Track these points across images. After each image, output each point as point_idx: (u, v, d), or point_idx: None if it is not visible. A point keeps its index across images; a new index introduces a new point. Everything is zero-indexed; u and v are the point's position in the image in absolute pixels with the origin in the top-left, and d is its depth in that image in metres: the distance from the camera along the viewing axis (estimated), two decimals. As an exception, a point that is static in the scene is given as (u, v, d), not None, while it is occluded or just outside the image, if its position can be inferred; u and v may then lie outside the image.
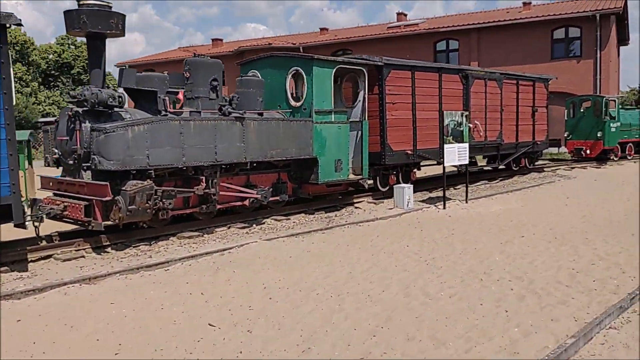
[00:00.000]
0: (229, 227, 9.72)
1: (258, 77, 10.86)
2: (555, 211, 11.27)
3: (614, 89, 36.36)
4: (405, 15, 42.08)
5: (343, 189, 12.19)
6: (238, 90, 10.25)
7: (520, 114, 16.48)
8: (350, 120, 11.82)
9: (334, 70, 10.71)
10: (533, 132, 17.18)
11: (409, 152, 12.82)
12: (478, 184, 15.87)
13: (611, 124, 21.28)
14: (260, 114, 10.19)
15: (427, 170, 16.12)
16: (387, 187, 13.13)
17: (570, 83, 31.33)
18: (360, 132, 11.53)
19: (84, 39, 8.81)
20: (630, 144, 23.11)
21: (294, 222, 10.36)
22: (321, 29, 42.79)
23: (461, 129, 12.32)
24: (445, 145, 11.82)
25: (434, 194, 14.03)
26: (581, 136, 21.62)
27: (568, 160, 22.69)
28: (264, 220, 10.28)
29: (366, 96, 11.49)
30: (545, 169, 19.12)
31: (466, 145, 12.43)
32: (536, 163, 19.39)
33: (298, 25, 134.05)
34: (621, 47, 45.77)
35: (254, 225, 10.02)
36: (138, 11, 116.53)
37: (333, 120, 10.75)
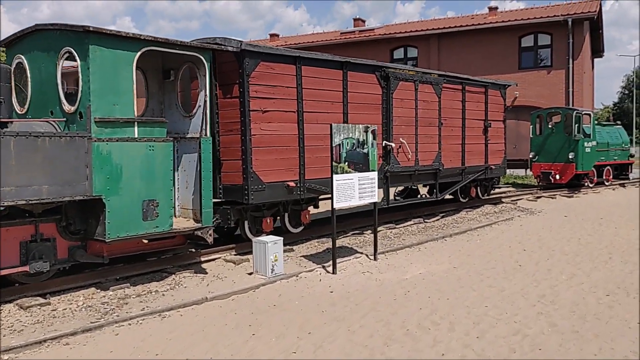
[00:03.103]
0: None
1: (8, 65, 6.65)
2: (500, 279, 7.19)
3: (589, 104, 32.96)
4: (364, 21, 38.45)
5: (180, 242, 7.91)
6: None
7: (467, 130, 12.49)
8: (186, 136, 7.64)
9: (138, 54, 6.51)
10: (486, 154, 13.20)
11: (292, 184, 8.65)
12: (408, 223, 11.76)
13: (585, 143, 17.48)
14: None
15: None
16: (264, 235, 8.94)
17: (540, 96, 27.80)
18: (199, 156, 7.33)
19: None
20: (609, 168, 19.35)
21: (42, 313, 6.00)
22: (271, 35, 38.93)
23: (365, 150, 8.22)
24: (336, 177, 7.69)
25: (340, 241, 9.87)
26: (549, 157, 17.76)
27: (534, 186, 18.80)
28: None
29: (207, 99, 7.30)
30: (503, 200, 15.15)
31: (373, 174, 8.34)
32: (494, 191, 15.43)
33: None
34: (596, 61, 42.93)
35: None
36: (117, 23, 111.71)
37: (137, 136, 6.52)
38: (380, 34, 32.44)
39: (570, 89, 27.42)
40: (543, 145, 17.92)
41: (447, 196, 13.37)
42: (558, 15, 27.30)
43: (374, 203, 8.55)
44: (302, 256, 8.65)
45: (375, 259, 8.58)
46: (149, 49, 6.61)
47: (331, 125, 7.66)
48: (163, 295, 6.67)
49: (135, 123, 6.52)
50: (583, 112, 17.60)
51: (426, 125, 11.24)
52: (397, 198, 14.04)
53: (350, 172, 7.94)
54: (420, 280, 7.39)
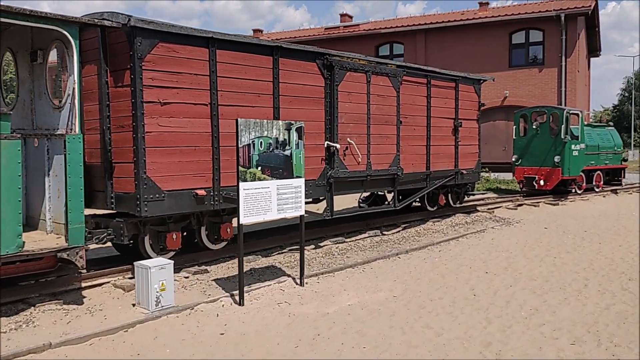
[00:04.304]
0: None
1: None
2: (443, 315, 5.65)
3: (584, 104, 31.46)
4: (351, 17, 36.95)
5: (49, 265, 6.38)
6: None
7: (433, 130, 10.98)
8: (55, 132, 6.13)
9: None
10: (456, 157, 11.69)
11: (202, 192, 7.14)
12: (362, 236, 10.26)
13: (573, 146, 15.95)
14: None
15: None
16: (173, 253, 7.45)
17: (532, 95, 26.35)
18: (65, 157, 5.81)
19: None
20: (599, 172, 17.83)
21: None
22: (254, 31, 37.38)
23: (287, 152, 6.72)
24: (243, 185, 6.18)
25: (271, 260, 8.37)
26: (533, 161, 16.23)
27: (518, 192, 17.28)
28: None
29: (76, 86, 5.78)
30: (479, 208, 13.64)
31: (299, 182, 6.84)
32: (469, 198, 13.93)
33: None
34: (596, 63, 41.44)
35: None
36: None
37: (-36, 131, 5.02)
38: (365, 30, 30.98)
39: (563, 88, 25.94)
40: (527, 147, 16.40)
41: (415, 203, 11.89)
42: (550, 10, 25.81)
43: (301, 216, 7.04)
44: (215, 280, 7.15)
45: (301, 284, 7.08)
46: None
47: (237, 121, 6.15)
48: None
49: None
50: (571, 112, 16.08)
51: (381, 123, 9.73)
52: (361, 205, 12.57)
53: (265, 179, 6.44)
54: (344, 316, 5.88)
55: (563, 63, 25.85)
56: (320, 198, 9.06)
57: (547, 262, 8.40)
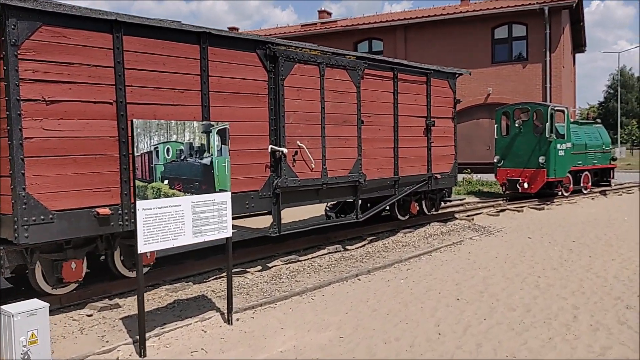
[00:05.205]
0: None
1: None
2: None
3: (569, 101, 30.47)
4: (330, 14, 35.78)
5: None
6: None
7: (401, 131, 9.72)
8: None
9: None
10: (428, 160, 10.44)
11: (104, 211, 5.79)
12: (320, 252, 8.96)
13: (558, 145, 14.78)
14: None
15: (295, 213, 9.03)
16: (76, 285, 6.11)
17: (516, 92, 25.27)
18: None
19: None
20: (587, 173, 16.69)
21: None
22: (230, 29, 35.99)
23: (205, 160, 5.41)
24: (143, 204, 4.86)
25: (203, 287, 7.05)
26: (516, 162, 15.04)
27: (500, 196, 16.08)
28: None
29: None
30: (457, 215, 12.40)
31: (223, 197, 5.53)
32: (446, 204, 12.71)
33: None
34: (582, 60, 40.55)
35: None
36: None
37: None
38: (343, 26, 29.81)
39: (548, 85, 24.89)
40: (509, 147, 15.21)
41: (386, 212, 10.64)
42: (533, 3, 24.74)
43: (227, 238, 5.73)
44: (124, 318, 5.81)
45: (229, 321, 5.76)
46: None
47: (132, 122, 4.83)
48: None
49: None
50: (556, 109, 14.92)
51: (339, 123, 8.45)
52: (329, 214, 11.30)
53: (175, 195, 5.12)
54: (270, 370, 4.59)
55: (547, 58, 24.81)
56: (268, 211, 7.74)
57: (530, 283, 7.17)
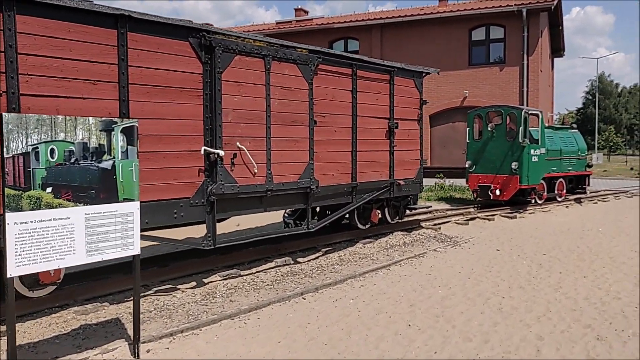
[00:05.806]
0: None
1: None
2: None
3: (547, 106, 30.09)
4: (307, 12, 34.91)
5: None
6: None
7: (360, 133, 8.92)
8: None
9: None
10: (391, 165, 9.65)
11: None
12: (266, 266, 8.10)
13: (532, 151, 14.15)
14: None
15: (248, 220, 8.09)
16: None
17: (492, 95, 24.75)
18: None
19: None
20: (562, 180, 16.10)
21: None
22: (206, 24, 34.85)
23: (105, 164, 4.53)
24: (14, 217, 3.95)
25: (125, 306, 6.15)
26: (488, 168, 14.37)
27: (472, 203, 15.40)
28: None
29: None
30: (423, 224, 11.64)
31: (129, 207, 4.65)
32: (412, 212, 11.96)
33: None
34: (561, 66, 40.34)
35: None
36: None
37: None
38: (318, 24, 29.03)
39: (525, 88, 24.42)
40: (482, 152, 14.53)
41: (346, 220, 9.82)
42: (512, 5, 24.25)
43: (134, 256, 4.84)
44: (22, 346, 4.88)
45: (136, 354, 4.88)
46: None
47: (1, 115, 3.93)
48: None
49: None
50: (530, 112, 14.27)
51: (287, 123, 7.60)
52: (287, 221, 10.45)
53: (61, 206, 4.23)
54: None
55: (525, 61, 24.33)
56: (202, 221, 6.85)
57: (493, 305, 6.41)
